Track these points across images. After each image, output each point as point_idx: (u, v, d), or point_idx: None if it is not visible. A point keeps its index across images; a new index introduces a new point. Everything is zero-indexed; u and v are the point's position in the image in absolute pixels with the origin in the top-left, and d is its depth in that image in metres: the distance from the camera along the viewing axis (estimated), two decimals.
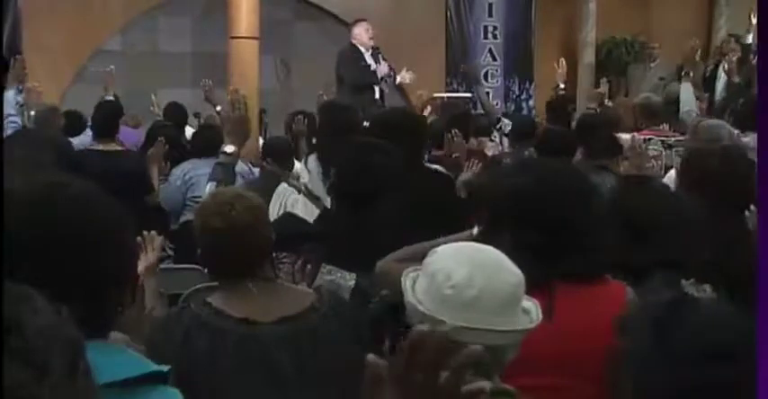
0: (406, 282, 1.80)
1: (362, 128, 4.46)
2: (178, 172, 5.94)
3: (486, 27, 12.00)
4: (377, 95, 8.45)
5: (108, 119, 6.10)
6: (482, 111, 8.70)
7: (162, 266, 5.73)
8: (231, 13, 8.61)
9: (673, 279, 2.40)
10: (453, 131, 5.96)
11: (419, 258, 2.35)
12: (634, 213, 2.56)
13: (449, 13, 11.93)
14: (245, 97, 7.06)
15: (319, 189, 4.08)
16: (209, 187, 3.47)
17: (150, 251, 3.08)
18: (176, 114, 7.95)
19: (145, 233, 3.10)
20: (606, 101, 7.98)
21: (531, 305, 1.84)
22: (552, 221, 2.20)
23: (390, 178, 3.21)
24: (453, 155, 5.75)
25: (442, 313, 1.72)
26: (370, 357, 1.01)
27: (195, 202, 5.62)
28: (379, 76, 8.39)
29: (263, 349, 2.30)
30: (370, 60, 8.50)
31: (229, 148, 3.72)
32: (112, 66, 7.76)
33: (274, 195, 4.69)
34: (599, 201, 2.35)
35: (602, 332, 2.14)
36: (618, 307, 2.17)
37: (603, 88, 8.26)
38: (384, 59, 8.43)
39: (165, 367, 1.45)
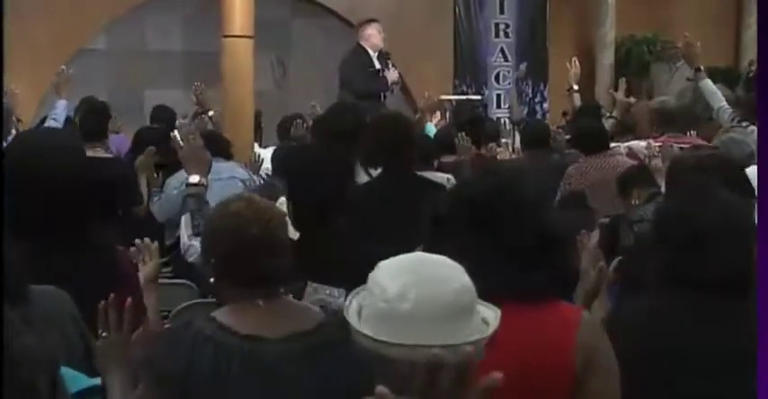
0: (352, 300, 1.82)
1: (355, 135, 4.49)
2: (175, 181, 5.93)
3: (497, 25, 12.03)
4: (384, 103, 8.44)
5: (93, 120, 6.08)
6: (492, 116, 8.75)
7: None
8: (224, 10, 8.65)
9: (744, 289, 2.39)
10: (460, 135, 5.99)
11: None
12: (694, 223, 2.55)
13: (457, 10, 11.97)
14: (213, 116, 7.16)
15: None
16: (184, 220, 3.50)
17: (148, 260, 3.10)
18: (164, 117, 7.96)
19: (138, 241, 3.11)
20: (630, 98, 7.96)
21: (492, 315, 1.84)
22: (507, 233, 2.21)
23: (338, 189, 3.27)
24: (460, 159, 5.80)
25: (379, 329, 1.73)
26: (380, 388, 1.02)
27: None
28: (389, 83, 8.34)
29: (271, 366, 2.32)
30: (378, 65, 8.47)
31: (194, 178, 3.78)
32: (63, 67, 7.72)
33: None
34: (557, 214, 2.35)
35: (542, 349, 2.17)
36: (565, 330, 2.18)
37: (621, 88, 8.24)
38: (393, 66, 8.41)
39: (97, 381, 1.50)
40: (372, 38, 8.57)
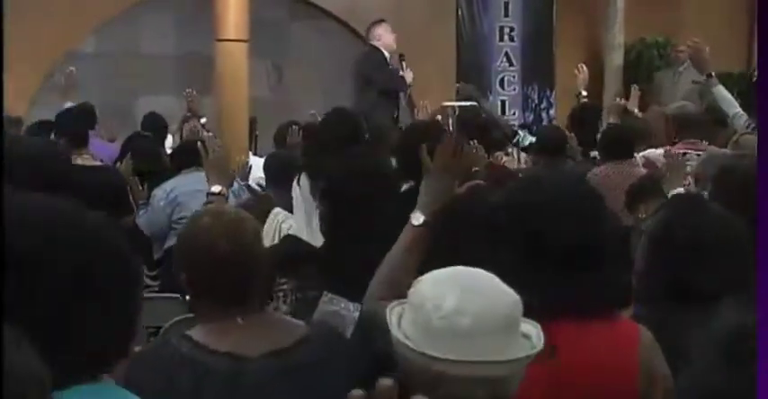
0: (392, 317, 1.81)
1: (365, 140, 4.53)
2: (161, 192, 5.92)
3: (501, 28, 12.04)
4: (403, 103, 8.58)
5: (81, 125, 6.06)
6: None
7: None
8: (218, 13, 8.65)
9: (742, 302, 2.38)
10: (472, 143, 5.97)
11: (395, 284, 2.36)
12: (691, 235, 2.55)
13: (460, 12, 11.97)
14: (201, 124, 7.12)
15: (310, 206, 4.12)
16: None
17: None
18: (155, 125, 7.95)
19: None
20: (636, 110, 7.97)
21: (531, 329, 1.84)
22: (564, 246, 2.18)
23: (387, 191, 3.29)
24: (473, 169, 5.77)
25: (433, 346, 1.73)
26: (355, 392, 1.04)
27: (182, 224, 5.62)
28: (408, 83, 8.53)
29: (250, 385, 2.31)
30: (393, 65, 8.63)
31: (216, 188, 3.76)
32: (72, 68, 7.73)
33: (268, 219, 4.72)
34: (616, 227, 2.34)
35: (608, 372, 2.15)
36: (628, 349, 2.16)
37: (634, 96, 8.23)
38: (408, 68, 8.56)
39: None
40: (384, 37, 8.71)
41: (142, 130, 7.73)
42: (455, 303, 1.73)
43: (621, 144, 6.08)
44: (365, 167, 3.38)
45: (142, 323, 3.25)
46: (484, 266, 1.86)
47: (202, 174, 5.71)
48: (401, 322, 1.80)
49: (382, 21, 8.91)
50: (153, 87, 10.92)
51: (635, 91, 8.30)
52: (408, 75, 8.54)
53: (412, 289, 1.82)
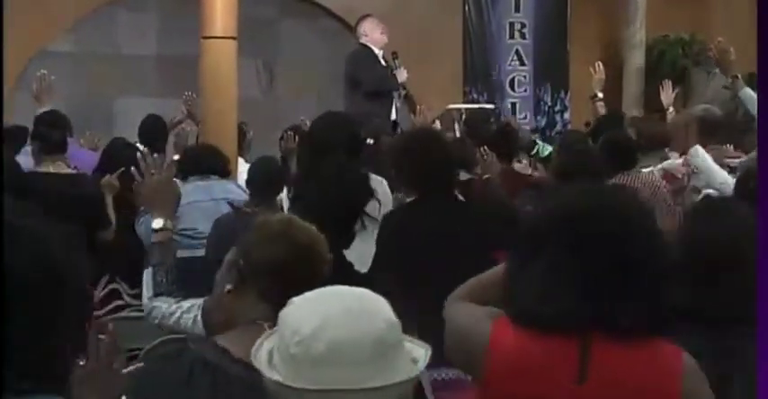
0: (260, 354, 1.83)
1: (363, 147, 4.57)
2: None
3: (512, 24, 12.07)
4: (396, 104, 8.54)
5: (56, 131, 6.08)
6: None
7: (121, 315, 5.76)
8: (204, 9, 8.65)
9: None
10: (483, 149, 5.99)
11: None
12: (707, 246, 2.54)
13: (467, 8, 12.01)
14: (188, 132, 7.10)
15: None
16: (146, 277, 3.42)
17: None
18: (154, 131, 7.94)
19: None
20: (671, 110, 7.94)
21: (422, 353, 1.83)
22: (611, 255, 2.16)
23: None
24: (484, 177, 5.79)
25: (293, 375, 1.73)
26: None
27: (184, 236, 5.61)
28: (400, 82, 8.51)
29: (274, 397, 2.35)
30: (384, 63, 8.61)
31: (157, 223, 3.46)
32: (44, 71, 7.71)
33: None
34: (667, 245, 2.29)
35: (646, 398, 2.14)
36: (669, 376, 2.15)
37: (667, 96, 8.15)
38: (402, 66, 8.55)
39: None
40: (370, 33, 8.69)
41: (140, 136, 7.74)
42: (312, 328, 1.74)
43: (621, 155, 6.04)
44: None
45: (122, 346, 3.27)
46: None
47: (207, 183, 5.76)
48: (273, 356, 1.81)
49: (368, 15, 8.91)
50: (133, 89, 10.94)
51: (667, 87, 8.23)
52: (402, 74, 8.51)
53: (282, 311, 1.84)
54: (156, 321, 3.35)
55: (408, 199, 4.40)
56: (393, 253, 4.04)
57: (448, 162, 4.30)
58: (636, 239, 2.17)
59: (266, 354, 1.81)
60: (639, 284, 2.16)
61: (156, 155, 3.64)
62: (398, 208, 4.41)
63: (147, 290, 3.39)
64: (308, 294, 1.86)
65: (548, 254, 2.16)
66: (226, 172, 6.05)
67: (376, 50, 8.68)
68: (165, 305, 3.28)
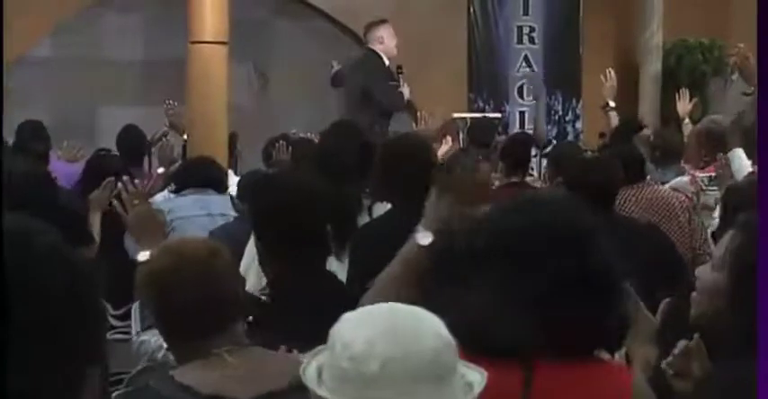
0: (309, 371, 1.83)
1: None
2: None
3: (520, 28, 12.10)
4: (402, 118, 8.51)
5: (33, 143, 6.13)
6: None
7: (108, 337, 5.78)
8: (192, 11, 8.70)
9: None
10: (486, 159, 6.02)
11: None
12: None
13: (471, 10, 12.03)
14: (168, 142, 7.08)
15: None
16: (134, 311, 3.45)
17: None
18: (132, 144, 7.97)
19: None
20: (686, 121, 7.97)
21: (477, 377, 1.85)
22: (549, 272, 2.20)
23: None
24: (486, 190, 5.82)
25: (343, 393, 1.76)
26: None
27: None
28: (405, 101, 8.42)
29: None
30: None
31: (143, 255, 3.41)
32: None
33: (249, 243, 4.76)
34: (609, 256, 2.31)
35: None
36: (618, 396, 2.18)
37: (683, 106, 8.16)
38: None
39: None
40: (389, 42, 8.58)
41: (118, 149, 7.76)
42: (365, 344, 1.76)
43: (627, 167, 6.06)
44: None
45: (108, 370, 3.30)
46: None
47: (204, 197, 5.77)
48: (322, 373, 1.84)
49: (384, 21, 8.80)
50: (117, 97, 10.97)
51: (683, 96, 8.23)
52: (406, 91, 8.39)
53: (333, 327, 1.86)
54: (146, 356, 3.37)
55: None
56: (368, 266, 4.09)
57: (429, 169, 4.32)
58: (571, 256, 2.21)
59: (315, 370, 1.83)
60: (580, 302, 2.19)
61: (136, 180, 3.67)
62: (375, 219, 4.42)
63: (135, 325, 3.42)
64: (361, 309, 1.89)
65: (484, 277, 2.21)
66: (224, 186, 6.07)
67: (386, 60, 8.58)
68: (153, 339, 3.29)
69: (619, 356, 2.66)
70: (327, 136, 5.09)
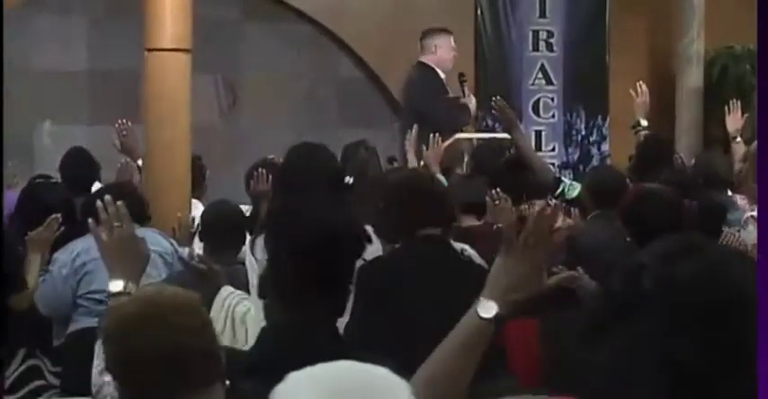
0: None
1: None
2: (65, 256, 5.95)
3: (536, 33, 12.11)
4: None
5: None
6: None
7: None
8: (149, 14, 8.70)
9: None
10: (495, 191, 6.02)
11: (443, 391, 2.42)
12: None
13: (479, 11, 12.06)
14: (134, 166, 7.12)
15: None
16: (97, 348, 3.48)
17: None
18: (81, 168, 7.96)
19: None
20: (738, 139, 7.98)
21: None
22: (713, 333, 2.15)
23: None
24: (495, 227, 5.82)
25: None
26: None
27: (91, 301, 5.65)
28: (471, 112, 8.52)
29: None
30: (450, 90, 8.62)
31: (116, 285, 3.47)
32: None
33: (215, 304, 4.78)
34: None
35: None
36: None
37: (734, 121, 8.17)
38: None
39: None
40: (446, 53, 8.67)
41: (61, 175, 7.75)
42: None
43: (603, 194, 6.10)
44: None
45: None
46: None
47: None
48: None
49: (444, 30, 8.89)
50: (57, 114, 10.96)
51: (735, 108, 8.24)
52: (471, 101, 8.50)
53: (273, 390, 1.86)
54: None
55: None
56: (374, 309, 4.26)
57: (438, 207, 4.61)
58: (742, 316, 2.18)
59: None
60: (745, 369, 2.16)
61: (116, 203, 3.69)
62: (377, 258, 4.62)
63: (97, 364, 3.44)
64: (309, 369, 1.88)
65: (626, 334, 2.17)
66: (145, 217, 6.06)
67: (440, 74, 8.65)
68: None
69: None
70: (291, 156, 5.22)
